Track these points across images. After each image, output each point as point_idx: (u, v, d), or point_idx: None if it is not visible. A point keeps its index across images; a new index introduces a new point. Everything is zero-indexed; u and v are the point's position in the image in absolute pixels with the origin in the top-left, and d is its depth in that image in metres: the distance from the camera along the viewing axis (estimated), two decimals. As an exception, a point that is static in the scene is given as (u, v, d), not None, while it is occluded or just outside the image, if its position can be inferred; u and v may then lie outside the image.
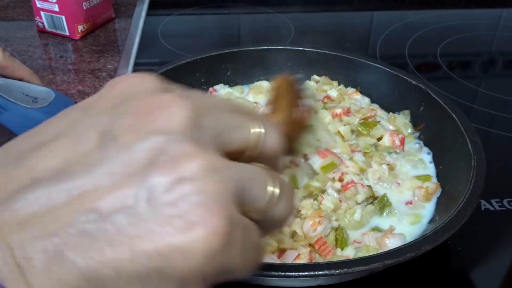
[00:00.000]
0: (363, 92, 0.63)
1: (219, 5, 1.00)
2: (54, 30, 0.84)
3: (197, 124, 0.20)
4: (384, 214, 0.46)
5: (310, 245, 0.43)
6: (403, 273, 0.43)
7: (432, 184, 0.49)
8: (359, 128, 0.55)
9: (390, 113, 0.59)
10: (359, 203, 0.46)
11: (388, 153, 0.54)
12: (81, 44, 0.83)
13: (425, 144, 0.56)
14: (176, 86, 0.23)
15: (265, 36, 0.88)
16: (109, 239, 0.17)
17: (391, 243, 0.42)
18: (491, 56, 0.85)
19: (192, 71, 0.62)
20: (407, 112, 0.58)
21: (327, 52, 0.64)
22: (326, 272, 0.34)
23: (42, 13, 0.83)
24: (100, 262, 0.17)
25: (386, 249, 0.39)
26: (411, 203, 0.48)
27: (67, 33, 0.83)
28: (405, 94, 0.59)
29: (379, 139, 0.55)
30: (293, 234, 0.43)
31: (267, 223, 0.22)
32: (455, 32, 0.90)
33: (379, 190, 0.49)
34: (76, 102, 0.56)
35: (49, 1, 0.80)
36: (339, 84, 0.64)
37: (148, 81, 0.22)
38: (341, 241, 0.43)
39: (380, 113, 0.60)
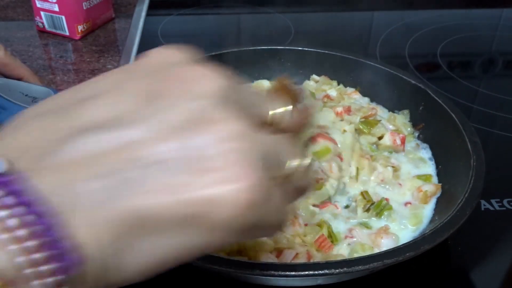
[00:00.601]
0: (362, 92, 0.63)
1: (219, 5, 1.00)
2: (54, 30, 0.84)
3: (230, 94, 0.22)
4: (383, 217, 0.46)
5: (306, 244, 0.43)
6: (402, 273, 0.43)
7: (432, 187, 0.48)
8: (360, 127, 0.55)
9: (390, 112, 0.59)
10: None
11: (389, 153, 0.54)
12: (81, 44, 0.83)
13: (424, 144, 0.56)
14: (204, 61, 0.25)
15: (265, 36, 0.88)
16: (153, 185, 0.19)
17: (385, 244, 0.42)
18: (491, 56, 0.85)
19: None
20: (406, 111, 0.59)
21: (327, 52, 0.64)
22: (326, 271, 0.34)
23: (42, 13, 0.83)
24: (147, 203, 0.19)
25: (383, 249, 0.39)
26: (410, 203, 0.48)
27: (67, 33, 0.83)
28: (404, 94, 0.59)
29: (380, 138, 0.55)
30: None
31: (289, 190, 0.24)
32: (455, 32, 0.90)
33: (381, 192, 0.49)
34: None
35: (49, 1, 0.80)
36: (338, 84, 0.64)
37: (182, 52, 0.24)
38: (333, 237, 0.44)
39: (380, 112, 0.60)
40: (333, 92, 0.61)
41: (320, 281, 0.37)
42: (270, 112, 0.25)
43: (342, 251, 0.43)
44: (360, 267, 0.35)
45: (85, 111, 0.21)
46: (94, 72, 0.75)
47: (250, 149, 0.21)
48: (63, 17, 0.81)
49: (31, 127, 0.20)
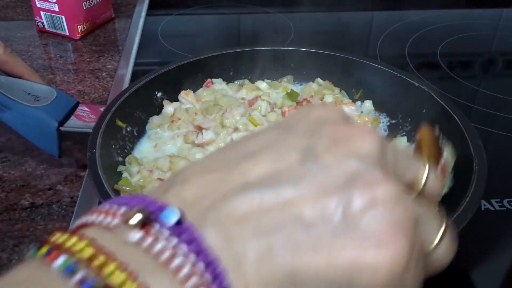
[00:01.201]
0: (365, 94, 0.63)
1: (219, 5, 1.00)
2: (54, 30, 0.84)
3: (384, 155, 0.22)
4: None
5: None
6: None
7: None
8: None
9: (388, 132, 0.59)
10: None
11: None
12: (81, 44, 0.83)
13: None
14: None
15: (265, 36, 0.88)
16: (311, 244, 0.19)
17: None
18: (491, 56, 0.85)
19: (194, 71, 0.62)
20: (404, 139, 0.57)
21: (329, 53, 0.63)
22: None
23: (42, 13, 0.83)
24: (303, 263, 0.19)
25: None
26: None
27: (67, 33, 0.83)
28: (407, 95, 0.58)
29: None
30: None
31: (429, 264, 0.24)
32: (455, 32, 0.90)
33: None
34: (78, 102, 0.57)
35: (49, 1, 0.80)
36: (340, 92, 0.64)
37: (338, 112, 0.25)
38: None
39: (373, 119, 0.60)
40: (329, 98, 0.61)
41: None
42: (423, 177, 0.24)
43: None
44: None
45: (247, 168, 0.22)
46: (94, 72, 0.75)
47: (402, 214, 0.20)
48: (63, 17, 0.81)
49: (199, 181, 0.21)
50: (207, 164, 0.23)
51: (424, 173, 0.24)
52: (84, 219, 0.20)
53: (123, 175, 0.49)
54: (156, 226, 0.19)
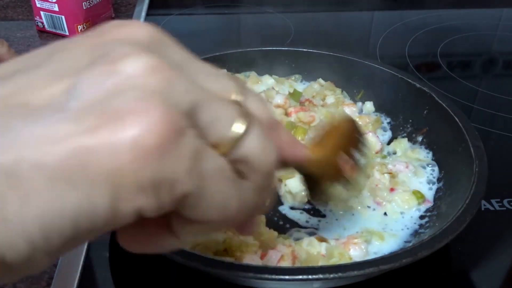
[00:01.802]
0: (366, 95, 0.63)
1: (219, 5, 1.00)
2: (54, 30, 0.84)
3: (160, 46, 0.19)
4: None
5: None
6: (402, 273, 0.43)
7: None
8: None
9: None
10: None
11: (382, 157, 0.54)
12: (81, 44, 0.83)
13: (427, 148, 0.55)
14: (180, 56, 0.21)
15: (265, 36, 0.88)
16: (33, 134, 0.16)
17: (354, 255, 0.42)
18: (491, 56, 0.85)
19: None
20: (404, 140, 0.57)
21: (329, 53, 0.63)
22: (320, 276, 0.34)
23: (42, 13, 0.83)
24: (19, 157, 0.16)
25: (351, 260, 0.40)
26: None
27: (67, 33, 0.83)
28: (408, 96, 0.58)
29: None
30: None
31: (248, 171, 0.21)
32: (455, 32, 0.90)
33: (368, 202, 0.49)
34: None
35: (49, 1, 0.80)
36: (341, 93, 0.64)
37: (144, 34, 0.20)
38: None
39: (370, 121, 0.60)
40: (331, 99, 0.61)
41: (316, 285, 0.37)
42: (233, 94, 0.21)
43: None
44: (355, 272, 0.35)
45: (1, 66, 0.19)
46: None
47: (156, 85, 0.17)
48: (63, 17, 0.81)
49: None
50: None
51: (232, 93, 0.21)
52: None
53: None
54: None
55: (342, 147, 0.35)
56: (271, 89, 0.62)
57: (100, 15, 0.87)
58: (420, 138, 0.56)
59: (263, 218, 0.45)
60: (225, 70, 0.61)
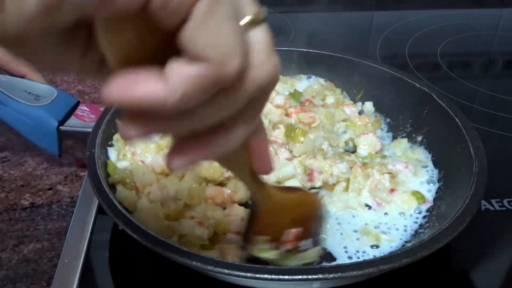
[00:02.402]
0: (366, 95, 0.63)
1: (219, 5, 1.00)
2: (54, 30, 0.84)
3: None
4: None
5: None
6: (402, 273, 0.43)
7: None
8: None
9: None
10: None
11: (382, 157, 0.54)
12: (81, 44, 0.83)
13: (427, 148, 0.55)
14: None
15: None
16: None
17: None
18: (491, 56, 0.85)
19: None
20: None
21: (329, 53, 0.64)
22: (320, 276, 0.34)
23: (42, 13, 0.83)
24: None
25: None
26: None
27: (67, 33, 0.83)
28: (408, 97, 0.58)
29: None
30: None
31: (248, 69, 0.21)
32: (455, 32, 0.90)
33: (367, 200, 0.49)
34: (78, 101, 0.57)
35: (49, 1, 0.80)
36: (341, 93, 0.63)
37: None
38: None
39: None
40: (331, 100, 0.61)
41: (315, 285, 0.37)
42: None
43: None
44: (354, 272, 0.35)
45: None
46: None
47: None
48: (63, 17, 0.81)
49: None
50: None
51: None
52: None
53: (110, 157, 0.50)
54: None
55: (294, 223, 0.37)
56: None
57: (100, 15, 0.87)
58: (420, 138, 0.56)
59: None
60: None
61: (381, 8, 1.02)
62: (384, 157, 0.54)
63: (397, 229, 0.46)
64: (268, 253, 0.37)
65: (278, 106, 0.59)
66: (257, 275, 0.34)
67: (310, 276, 0.34)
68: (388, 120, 0.61)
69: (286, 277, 0.34)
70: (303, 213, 0.38)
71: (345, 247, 0.44)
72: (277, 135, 0.54)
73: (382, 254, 0.43)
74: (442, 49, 0.84)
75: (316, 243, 0.39)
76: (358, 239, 0.45)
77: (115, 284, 0.42)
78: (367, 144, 0.55)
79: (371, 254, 0.44)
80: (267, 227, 0.36)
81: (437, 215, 0.46)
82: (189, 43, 0.19)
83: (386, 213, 0.48)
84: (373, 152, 0.55)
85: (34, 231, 0.48)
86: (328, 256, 0.44)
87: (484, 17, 0.99)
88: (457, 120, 0.50)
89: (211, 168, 0.48)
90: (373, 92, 0.62)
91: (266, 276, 0.34)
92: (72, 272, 0.42)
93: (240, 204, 0.47)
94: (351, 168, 0.51)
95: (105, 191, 0.41)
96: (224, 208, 0.47)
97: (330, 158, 0.53)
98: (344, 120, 0.59)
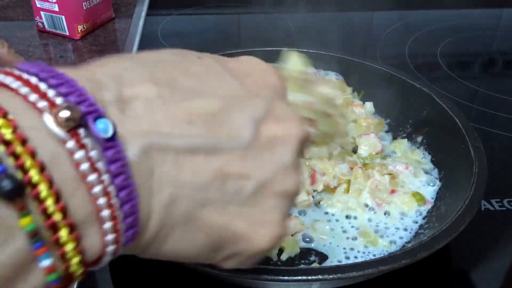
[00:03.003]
0: (366, 95, 0.63)
1: (219, 5, 1.00)
2: (54, 30, 0.84)
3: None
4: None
5: None
6: (402, 273, 0.43)
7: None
8: None
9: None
10: None
11: (382, 158, 0.54)
12: (81, 44, 0.83)
13: (427, 149, 0.55)
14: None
15: (265, 36, 0.88)
16: (219, 205, 0.23)
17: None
18: (491, 56, 0.85)
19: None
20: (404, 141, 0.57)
21: (329, 53, 0.63)
22: (319, 277, 0.34)
23: (42, 13, 0.83)
24: (204, 216, 0.23)
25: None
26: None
27: (67, 33, 0.83)
28: (408, 97, 0.58)
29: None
30: None
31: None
32: (455, 32, 0.90)
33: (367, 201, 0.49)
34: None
35: (49, 1, 0.80)
36: (352, 92, 0.63)
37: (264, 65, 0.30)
38: None
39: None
40: (339, 100, 0.60)
41: (315, 286, 0.37)
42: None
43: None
44: (354, 273, 0.35)
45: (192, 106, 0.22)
46: (94, 72, 0.75)
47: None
48: (63, 17, 0.81)
49: (145, 92, 0.22)
50: (155, 75, 0.22)
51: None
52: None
53: None
54: (83, 132, 0.18)
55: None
56: None
57: (100, 15, 0.87)
58: (419, 139, 0.56)
59: None
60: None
61: (381, 8, 1.02)
62: (384, 157, 0.54)
63: (397, 230, 0.46)
64: None
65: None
66: (257, 275, 0.34)
67: (309, 277, 0.34)
68: (388, 120, 0.61)
69: (286, 278, 0.34)
70: None
71: (344, 248, 0.44)
72: None
73: (381, 255, 0.43)
74: (442, 49, 0.84)
75: None
76: (357, 239, 0.45)
77: (115, 284, 0.42)
78: (368, 145, 0.55)
79: (370, 255, 0.44)
80: None
81: (437, 215, 0.46)
82: None
83: (386, 214, 0.48)
84: (374, 153, 0.55)
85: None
86: (327, 257, 0.44)
87: (484, 17, 0.99)
88: (457, 120, 0.50)
89: None
90: (373, 92, 0.62)
91: (266, 276, 0.34)
92: (72, 272, 0.42)
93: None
94: (351, 169, 0.51)
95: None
96: None
97: (333, 159, 0.52)
98: (354, 121, 0.59)
